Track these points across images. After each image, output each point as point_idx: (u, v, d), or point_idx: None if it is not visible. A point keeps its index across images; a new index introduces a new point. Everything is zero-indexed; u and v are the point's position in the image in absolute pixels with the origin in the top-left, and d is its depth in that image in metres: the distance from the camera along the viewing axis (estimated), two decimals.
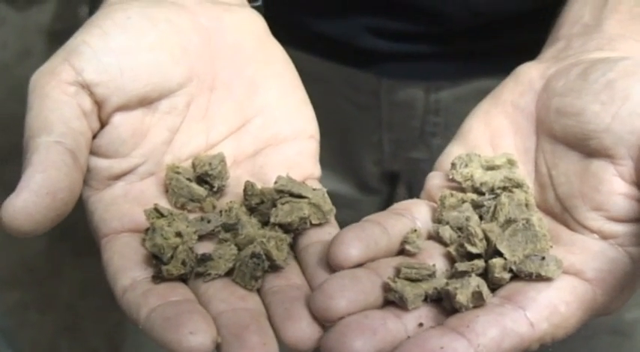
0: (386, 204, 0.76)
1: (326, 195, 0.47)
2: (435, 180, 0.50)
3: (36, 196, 0.40)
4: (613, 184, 0.44)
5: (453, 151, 0.50)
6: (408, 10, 0.67)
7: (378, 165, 0.77)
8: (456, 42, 0.68)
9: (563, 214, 0.45)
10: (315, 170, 0.51)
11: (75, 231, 1.44)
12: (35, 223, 0.40)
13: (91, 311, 1.43)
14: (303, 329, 0.40)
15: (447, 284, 0.42)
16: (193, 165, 0.48)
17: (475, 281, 0.41)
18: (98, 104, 0.45)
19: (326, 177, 0.79)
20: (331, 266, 0.43)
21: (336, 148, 0.76)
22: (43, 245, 1.48)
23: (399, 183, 0.83)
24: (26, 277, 1.49)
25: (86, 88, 0.44)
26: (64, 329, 1.45)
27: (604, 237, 0.44)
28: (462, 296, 0.41)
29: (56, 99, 0.43)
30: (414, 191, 0.81)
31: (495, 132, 0.49)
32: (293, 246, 0.46)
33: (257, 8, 0.54)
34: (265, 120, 0.50)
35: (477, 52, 0.68)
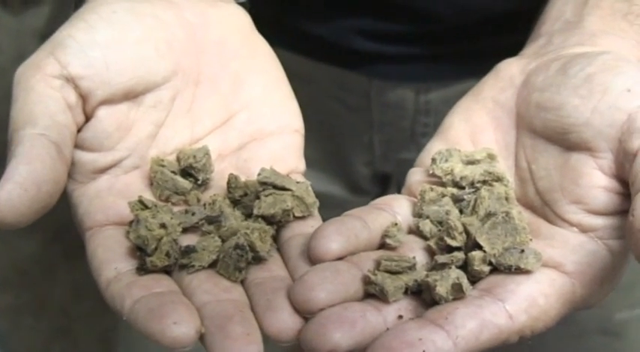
0: None
1: (310, 188, 0.48)
2: (415, 176, 0.50)
3: (20, 188, 0.40)
4: (593, 177, 0.44)
5: (434, 147, 0.50)
6: (397, 12, 0.68)
7: (368, 166, 0.77)
8: (445, 43, 0.69)
9: (543, 208, 0.46)
10: (300, 164, 0.51)
11: (67, 234, 1.45)
12: (19, 215, 0.40)
13: (84, 314, 1.43)
14: (285, 320, 0.40)
15: (427, 276, 0.42)
16: (178, 159, 0.48)
17: (455, 274, 0.42)
18: (83, 97, 0.45)
19: (317, 179, 0.79)
20: (312, 259, 0.43)
21: (327, 149, 0.77)
22: (35, 247, 1.48)
23: (390, 184, 0.83)
24: (19, 280, 1.50)
25: (71, 81, 0.45)
26: (57, 332, 1.45)
27: (583, 230, 0.44)
28: (442, 288, 0.41)
29: (41, 92, 0.44)
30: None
31: (476, 128, 0.50)
32: (276, 239, 0.46)
33: (243, 5, 0.55)
34: (250, 115, 0.51)
35: (466, 53, 0.68)
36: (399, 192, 0.86)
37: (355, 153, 0.77)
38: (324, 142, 0.76)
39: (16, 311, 1.46)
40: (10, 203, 0.40)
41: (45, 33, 1.61)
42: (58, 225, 1.34)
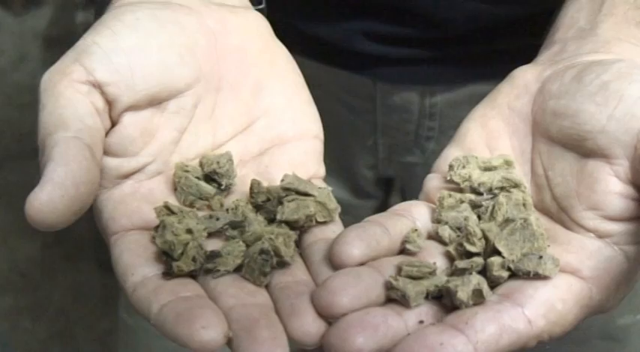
0: (381, 208, 0.77)
1: (331, 193, 0.49)
2: (433, 182, 0.51)
3: (60, 189, 0.41)
4: (609, 184, 0.45)
5: (451, 153, 0.51)
6: (403, 15, 0.69)
7: (372, 169, 0.78)
8: (450, 46, 0.70)
9: (560, 214, 0.47)
10: (320, 169, 0.52)
11: (67, 237, 1.46)
12: (60, 216, 0.41)
13: (83, 316, 1.44)
14: (309, 324, 0.41)
15: (448, 281, 0.43)
16: (201, 164, 0.49)
17: (475, 279, 0.43)
18: (109, 103, 0.46)
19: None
20: (334, 264, 0.44)
21: (331, 152, 0.77)
22: (35, 250, 1.49)
23: (393, 187, 0.84)
24: (19, 282, 1.50)
25: (98, 87, 0.46)
26: (56, 334, 1.46)
27: (600, 235, 0.45)
28: (463, 294, 0.42)
29: (69, 97, 0.45)
30: (408, 196, 0.82)
31: (492, 135, 0.51)
32: (298, 244, 0.47)
33: (260, 11, 0.56)
34: (270, 121, 0.52)
35: (471, 56, 0.69)
36: (402, 195, 0.87)
37: (359, 157, 0.78)
38: (328, 145, 0.76)
39: (15, 313, 1.47)
40: (51, 204, 0.40)
41: (46, 34, 1.62)
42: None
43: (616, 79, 0.46)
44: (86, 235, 1.52)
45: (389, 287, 0.43)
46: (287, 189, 0.47)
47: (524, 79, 0.51)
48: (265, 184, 0.49)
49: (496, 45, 0.63)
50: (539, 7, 0.59)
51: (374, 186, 0.80)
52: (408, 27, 0.69)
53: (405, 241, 0.46)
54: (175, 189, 0.48)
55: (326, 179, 0.78)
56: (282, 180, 0.48)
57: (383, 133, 0.76)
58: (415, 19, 0.69)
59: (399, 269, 0.44)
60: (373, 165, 0.78)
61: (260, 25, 0.54)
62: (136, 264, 0.44)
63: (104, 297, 1.32)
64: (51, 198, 0.40)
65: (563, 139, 0.48)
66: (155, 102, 0.48)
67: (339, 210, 0.49)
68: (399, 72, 0.72)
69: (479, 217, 0.48)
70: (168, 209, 0.46)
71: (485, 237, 0.45)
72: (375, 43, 0.70)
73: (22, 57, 1.56)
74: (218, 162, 0.48)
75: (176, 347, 0.41)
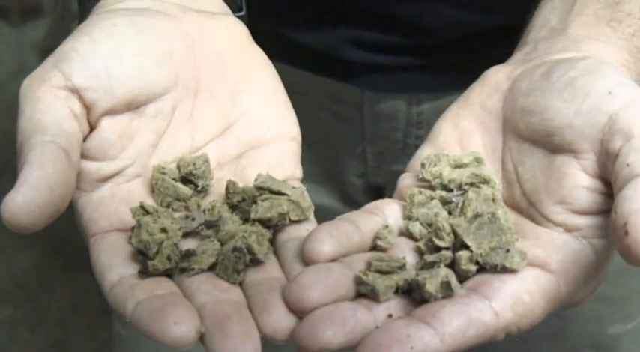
0: None
1: (305, 192, 0.50)
2: (406, 181, 0.53)
3: (35, 191, 0.42)
4: (576, 178, 0.47)
5: (424, 152, 0.53)
6: (389, 23, 0.70)
7: (361, 177, 0.80)
8: (436, 54, 0.72)
9: (529, 209, 0.49)
10: (297, 170, 0.54)
11: (65, 247, 1.47)
12: (35, 218, 0.42)
13: (81, 327, 1.46)
14: (280, 319, 0.43)
15: (417, 275, 0.45)
16: (178, 166, 0.51)
17: (444, 272, 0.45)
18: (87, 108, 0.48)
19: (310, 190, 0.81)
20: (306, 261, 0.46)
21: (320, 161, 0.79)
22: (33, 260, 1.51)
23: (382, 195, 0.85)
24: (17, 293, 1.52)
25: (76, 92, 0.47)
26: (54, 344, 1.47)
27: (568, 229, 0.47)
28: (431, 286, 0.44)
29: (48, 102, 0.46)
30: None
31: (464, 133, 0.53)
32: (272, 242, 0.49)
33: (241, 18, 0.58)
34: (248, 124, 0.53)
35: (457, 64, 0.71)
36: None
37: (348, 165, 0.80)
38: (317, 154, 0.78)
39: (13, 323, 1.48)
40: (25, 206, 0.42)
41: (45, 46, 1.64)
42: (57, 238, 1.36)
43: (583, 75, 0.48)
44: (84, 246, 1.54)
45: (359, 282, 0.45)
46: (260, 189, 0.49)
47: (496, 78, 0.53)
48: (242, 185, 0.51)
49: (481, 53, 0.65)
50: (521, 16, 0.61)
51: (363, 194, 0.82)
52: (394, 34, 0.71)
53: (376, 237, 0.48)
54: (153, 191, 0.50)
55: (315, 186, 0.79)
56: (256, 180, 0.50)
57: (371, 141, 0.77)
58: (400, 27, 0.70)
59: (369, 265, 0.46)
60: (362, 173, 0.80)
61: (238, 30, 0.56)
62: (112, 263, 0.46)
63: (102, 308, 1.34)
64: (25, 200, 0.42)
65: (532, 135, 0.49)
66: (133, 106, 0.50)
67: (312, 208, 0.50)
68: (385, 80, 0.74)
69: (450, 213, 0.49)
70: (143, 209, 0.48)
71: (454, 232, 0.47)
72: (361, 50, 0.72)
73: (20, 68, 1.58)
74: (194, 164, 0.50)
75: None
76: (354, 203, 0.82)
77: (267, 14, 0.71)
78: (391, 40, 0.71)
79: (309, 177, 0.81)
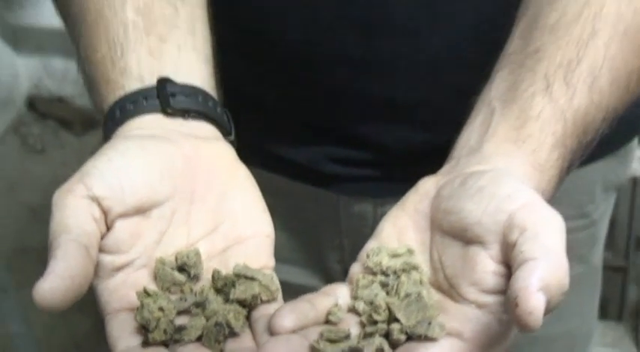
0: None
1: (274, 278, 0.54)
2: (355, 268, 0.57)
3: (60, 279, 0.46)
4: (485, 264, 0.50)
5: (369, 246, 0.57)
6: (356, 142, 0.76)
7: (340, 263, 0.84)
8: (396, 167, 0.76)
9: (450, 290, 0.52)
10: (270, 261, 0.57)
11: None
12: (59, 301, 0.46)
13: None
14: None
15: (359, 342, 0.48)
16: (176, 258, 0.55)
17: (379, 340, 0.48)
18: (105, 213, 0.52)
19: (300, 274, 0.86)
20: (272, 333, 0.50)
21: (306, 250, 0.83)
22: (90, 324, 1.53)
23: None
24: None
25: (95, 200, 0.51)
26: None
27: (479, 306, 0.50)
28: (369, 351, 0.47)
29: (73, 209, 0.50)
30: None
31: (401, 230, 0.56)
32: (248, 317, 0.53)
33: (231, 142, 0.62)
34: (232, 224, 0.57)
35: (413, 175, 0.74)
36: None
37: (329, 253, 0.84)
38: (302, 244, 0.83)
39: None
40: (51, 291, 0.46)
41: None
42: None
43: (489, 183, 0.52)
44: None
45: (312, 348, 0.48)
46: (238, 275, 0.53)
47: (426, 186, 0.57)
48: (225, 272, 0.54)
49: (433, 166, 0.67)
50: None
51: (342, 276, 0.84)
52: (362, 151, 0.76)
53: (328, 314, 0.52)
54: (155, 278, 0.54)
55: (302, 270, 0.83)
56: (234, 268, 0.53)
57: (346, 235, 0.81)
58: (367, 146, 0.75)
59: (322, 335, 0.49)
60: (340, 259, 0.83)
61: (226, 151, 0.60)
62: (121, 336, 0.50)
63: None
64: (51, 287, 0.46)
65: (452, 231, 0.53)
66: (141, 211, 0.54)
67: (280, 291, 0.54)
68: (356, 187, 0.78)
69: (387, 293, 0.53)
70: (146, 292, 0.51)
71: (389, 309, 0.50)
72: (336, 164, 0.77)
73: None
74: (188, 256, 0.54)
75: None
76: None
77: (257, 134, 0.76)
78: (359, 156, 0.76)
79: (296, 262, 0.85)
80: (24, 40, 1.57)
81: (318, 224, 0.83)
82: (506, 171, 0.54)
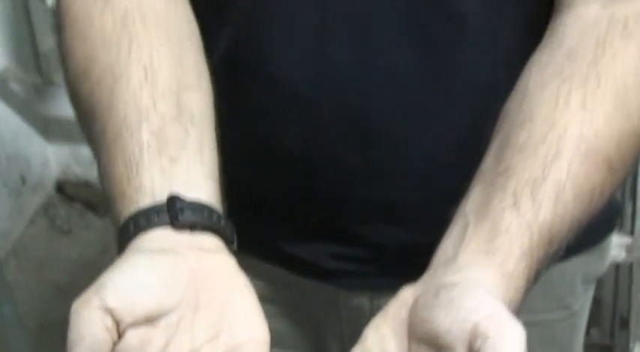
0: None
1: None
2: None
3: None
4: None
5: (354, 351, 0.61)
6: (357, 241, 0.81)
7: (342, 350, 0.88)
8: (389, 263, 0.81)
9: None
10: None
11: None
12: None
13: None
14: None
15: None
16: None
17: None
18: (117, 322, 0.56)
19: None
20: None
21: (309, 337, 0.88)
22: None
23: None
24: None
25: (109, 311, 0.56)
26: None
27: None
28: None
29: (88, 319, 0.55)
30: None
31: (382, 337, 0.60)
32: None
33: (234, 252, 0.67)
34: (232, 331, 0.61)
35: (406, 269, 0.79)
36: None
37: (331, 340, 0.88)
38: (305, 331, 0.87)
39: None
40: None
41: None
42: None
43: (459, 295, 0.56)
44: None
45: None
46: None
47: (405, 295, 0.61)
48: None
49: (423, 262, 0.68)
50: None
51: None
52: (358, 249, 0.81)
53: None
54: None
55: None
56: None
57: (346, 324, 0.85)
58: (362, 244, 0.80)
59: None
60: (341, 346, 0.87)
61: (228, 263, 0.65)
62: None
63: None
64: None
65: (426, 339, 0.57)
66: (150, 320, 0.58)
67: None
68: (353, 282, 0.83)
69: None
70: None
71: None
72: (335, 260, 0.81)
73: (104, 249, 1.69)
74: None
75: None
76: None
77: (262, 232, 0.82)
78: (357, 253, 0.81)
79: (298, 349, 0.90)
80: (54, 129, 1.65)
81: (319, 314, 0.87)
82: (476, 282, 0.58)
